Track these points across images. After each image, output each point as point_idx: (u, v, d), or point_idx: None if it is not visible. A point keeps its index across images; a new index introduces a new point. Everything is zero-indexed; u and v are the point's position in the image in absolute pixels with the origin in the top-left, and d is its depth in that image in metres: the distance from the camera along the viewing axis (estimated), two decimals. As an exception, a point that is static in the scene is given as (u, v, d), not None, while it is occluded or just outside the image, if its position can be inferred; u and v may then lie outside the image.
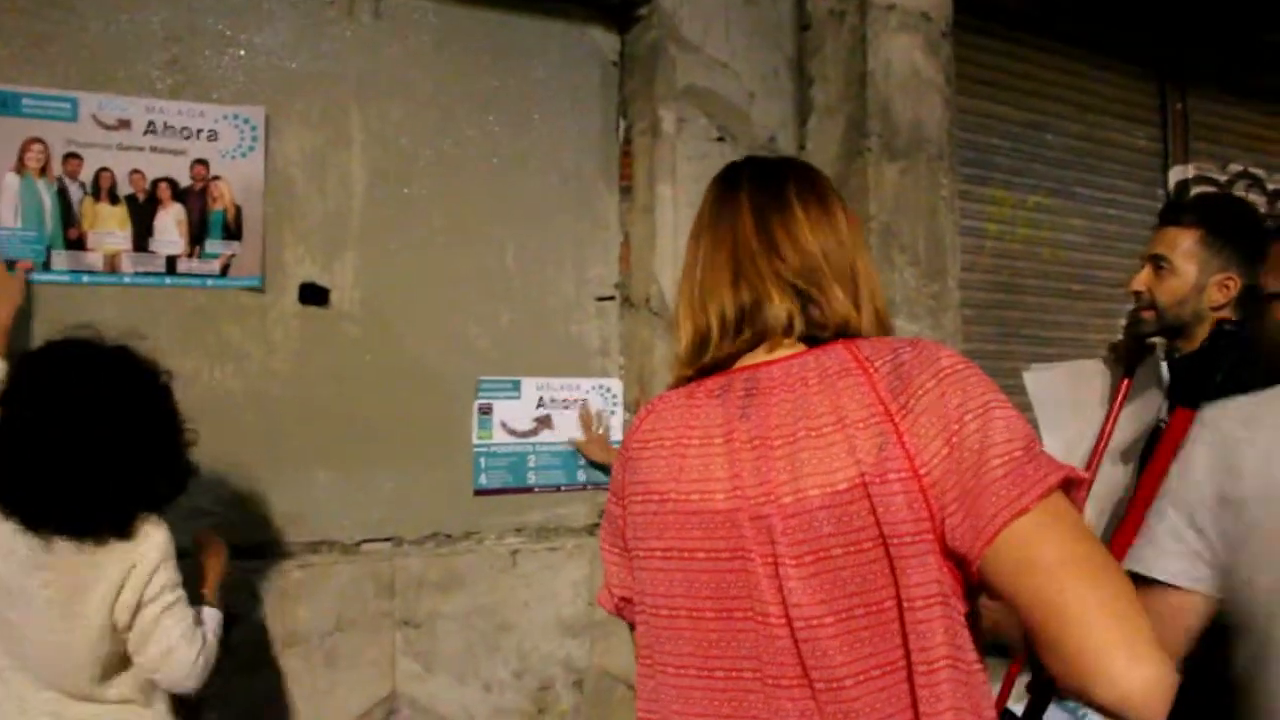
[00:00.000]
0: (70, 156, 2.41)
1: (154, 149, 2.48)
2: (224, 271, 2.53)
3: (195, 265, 2.50)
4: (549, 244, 2.91)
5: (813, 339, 1.21)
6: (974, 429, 1.05)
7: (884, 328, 1.27)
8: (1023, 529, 1.00)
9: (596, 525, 2.95)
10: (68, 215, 2.41)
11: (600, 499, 2.96)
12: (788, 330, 1.21)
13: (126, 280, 2.45)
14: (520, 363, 2.86)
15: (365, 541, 2.66)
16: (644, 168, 2.96)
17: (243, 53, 2.58)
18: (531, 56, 2.91)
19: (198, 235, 2.51)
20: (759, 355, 1.22)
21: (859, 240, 1.28)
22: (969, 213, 3.52)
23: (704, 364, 1.25)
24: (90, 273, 2.42)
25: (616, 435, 2.94)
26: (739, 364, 1.23)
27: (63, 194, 2.40)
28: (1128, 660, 0.94)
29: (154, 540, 1.85)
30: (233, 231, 2.54)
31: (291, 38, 2.64)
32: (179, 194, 2.49)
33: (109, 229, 2.44)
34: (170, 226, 2.48)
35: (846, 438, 1.08)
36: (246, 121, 2.54)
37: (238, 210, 2.54)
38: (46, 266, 2.38)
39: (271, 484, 2.58)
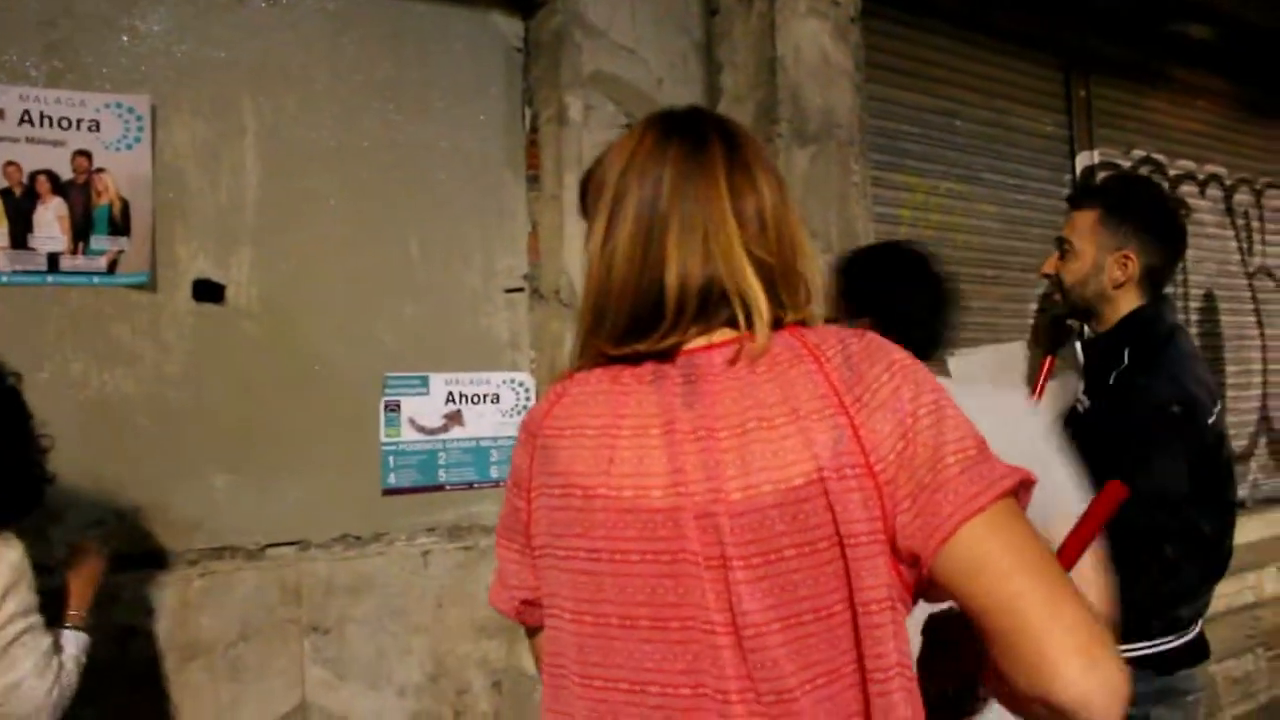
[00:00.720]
0: (-42, 153, 2.31)
1: (30, 140, 2.37)
2: (111, 269, 2.44)
3: (80, 263, 2.40)
4: (455, 235, 2.86)
5: (755, 323, 1.11)
6: (927, 425, 1.02)
7: (823, 306, 1.22)
8: (978, 529, 0.99)
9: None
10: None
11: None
12: (725, 315, 1.12)
13: (4, 279, 2.33)
14: (428, 358, 2.81)
15: (270, 546, 2.58)
16: (551, 156, 2.92)
17: (126, 38, 2.49)
18: (432, 43, 2.86)
19: (82, 231, 2.41)
20: (697, 339, 1.13)
21: (796, 216, 1.19)
22: (883, 199, 3.56)
23: (638, 349, 1.13)
24: (-33, 271, 2.33)
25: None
26: (689, 343, 1.13)
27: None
28: (1087, 664, 0.93)
29: (3, 561, 1.74)
30: (119, 227, 2.44)
31: (179, 23, 2.55)
32: (60, 188, 2.39)
33: (-13, 226, 2.35)
34: (51, 222, 2.38)
35: (800, 429, 1.03)
36: (131, 111, 2.45)
37: (124, 204, 2.45)
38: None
39: (169, 490, 2.49)
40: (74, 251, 2.41)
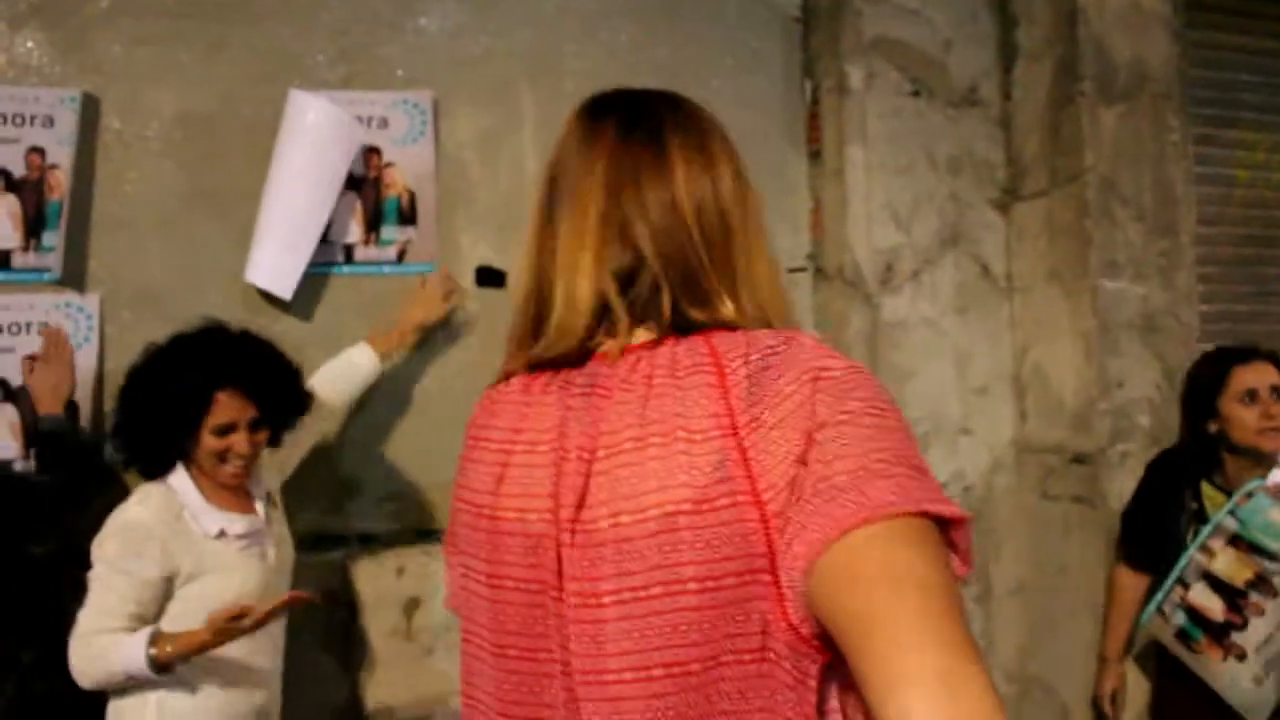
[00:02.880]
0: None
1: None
2: (400, 258, 2.65)
3: (372, 253, 2.62)
4: (732, 215, 2.89)
5: (678, 326, 1.05)
6: (832, 436, 0.89)
7: (770, 317, 1.08)
8: (853, 541, 0.84)
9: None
10: (252, 208, 2.62)
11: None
12: (647, 317, 1.06)
13: (307, 269, 2.55)
14: (705, 341, 2.86)
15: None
16: (832, 129, 2.89)
17: (410, 38, 2.67)
18: (708, 19, 2.89)
19: (373, 222, 2.62)
20: (610, 343, 1.06)
21: (750, 207, 1.12)
22: (1213, 159, 3.28)
23: (553, 356, 1.08)
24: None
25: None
26: (594, 348, 1.07)
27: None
28: (945, 694, 0.77)
29: (126, 513, 2.10)
30: (407, 217, 2.64)
31: (458, 19, 2.71)
32: (353, 183, 2.60)
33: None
34: (345, 215, 2.59)
35: (679, 453, 0.94)
36: (416, 106, 2.64)
37: (411, 195, 2.64)
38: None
39: (452, 469, 2.66)
40: (366, 242, 2.63)
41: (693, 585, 0.91)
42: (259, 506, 2.26)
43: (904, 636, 0.80)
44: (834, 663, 0.90)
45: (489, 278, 2.71)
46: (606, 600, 0.95)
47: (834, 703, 0.93)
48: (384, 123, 2.64)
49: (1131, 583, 2.59)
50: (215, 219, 2.53)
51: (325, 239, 2.59)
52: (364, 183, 2.63)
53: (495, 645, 1.07)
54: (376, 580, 2.56)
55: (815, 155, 2.96)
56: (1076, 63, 2.75)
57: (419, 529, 2.66)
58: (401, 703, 2.55)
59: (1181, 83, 2.88)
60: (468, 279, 2.71)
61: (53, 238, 2.47)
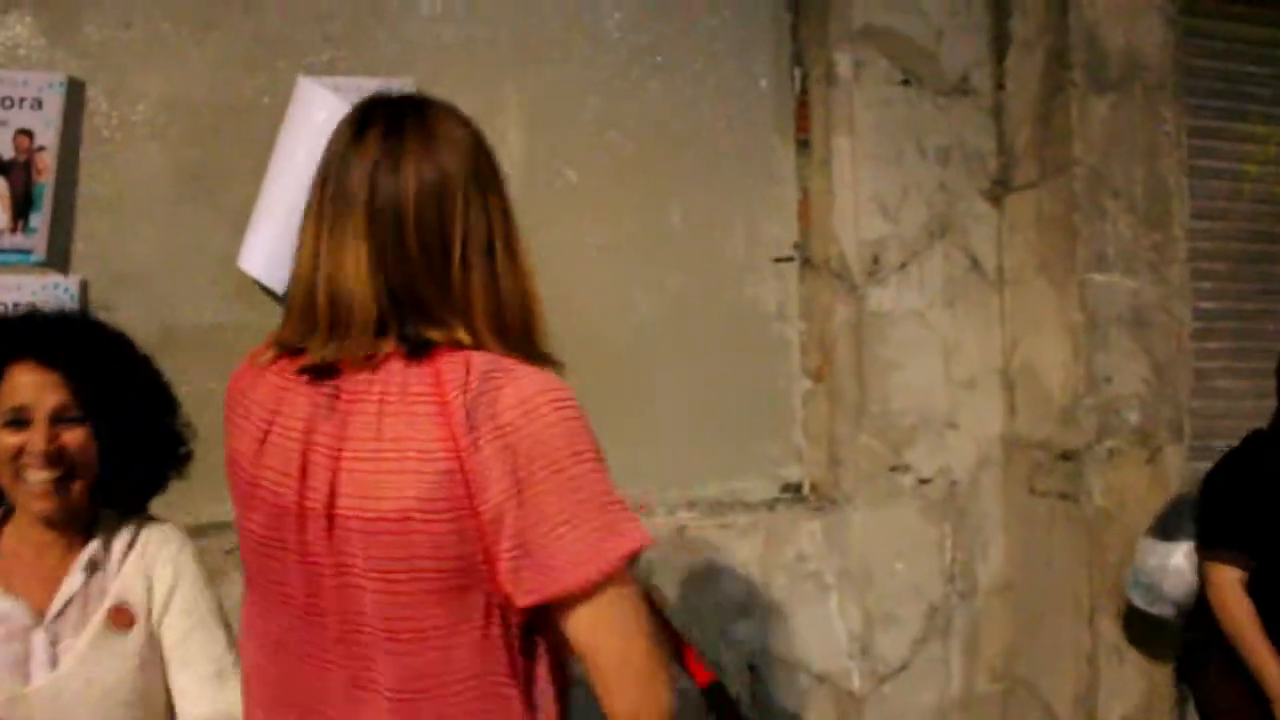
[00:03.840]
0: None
1: (312, 126, 2.69)
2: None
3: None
4: (719, 204, 2.90)
5: (413, 344, 1.17)
6: (544, 480, 1.11)
7: (510, 335, 1.22)
8: (591, 602, 1.13)
9: (775, 501, 2.98)
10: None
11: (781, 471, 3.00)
12: (388, 332, 1.17)
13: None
14: (689, 330, 2.90)
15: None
16: (820, 118, 2.89)
17: (394, 24, 2.70)
18: (695, 6, 2.90)
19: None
20: (355, 352, 1.17)
21: (499, 228, 1.24)
22: (1219, 153, 3.24)
23: (309, 357, 1.20)
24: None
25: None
26: (336, 358, 1.18)
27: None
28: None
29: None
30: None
31: (445, 5, 2.74)
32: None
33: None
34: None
35: (410, 469, 1.12)
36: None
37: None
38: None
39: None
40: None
41: (429, 572, 1.13)
42: (72, 580, 1.59)
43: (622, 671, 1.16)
44: (540, 632, 1.19)
45: (471, 265, 2.74)
46: (357, 573, 1.16)
47: (542, 666, 1.21)
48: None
49: (1235, 577, 2.43)
50: (203, 203, 2.58)
51: (301, 230, 2.62)
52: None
53: (251, 581, 1.31)
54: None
55: (804, 144, 2.96)
56: (1067, 51, 2.73)
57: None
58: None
59: (1177, 72, 2.86)
60: (451, 265, 2.73)
61: (38, 219, 2.50)
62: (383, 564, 1.13)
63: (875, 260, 2.84)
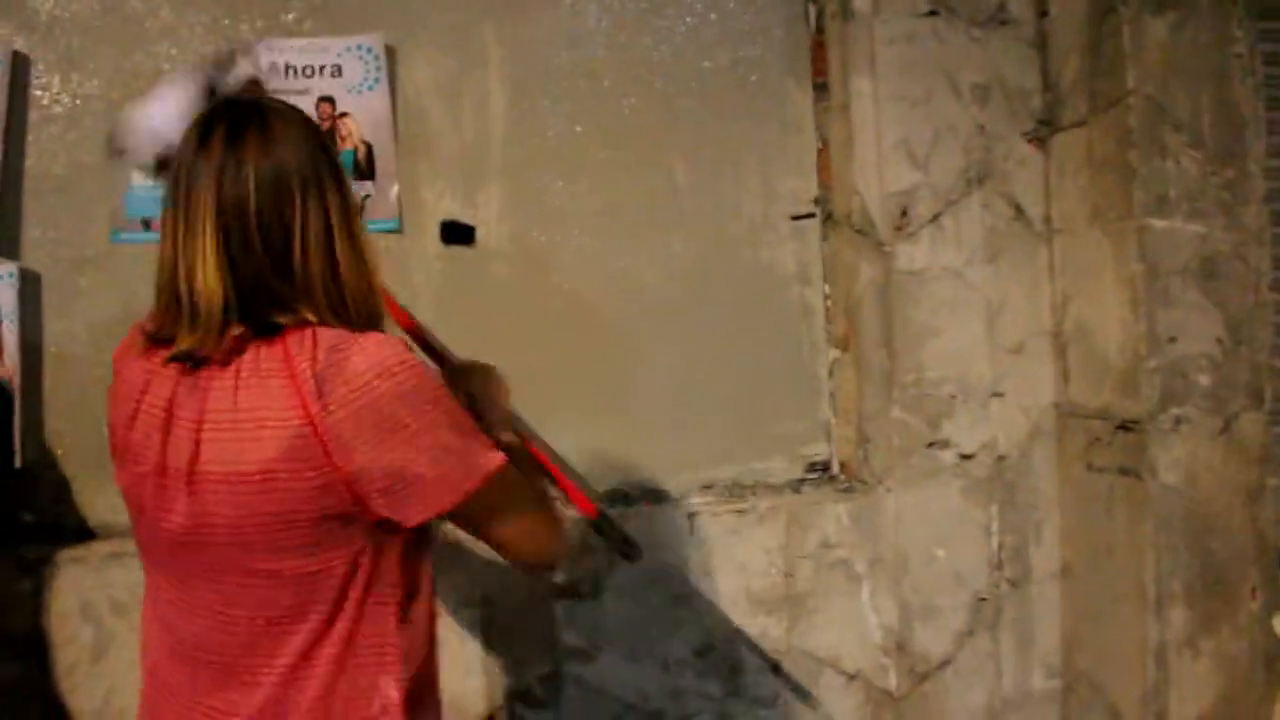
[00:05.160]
0: (195, 105, 2.49)
1: (278, 92, 2.41)
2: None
3: (329, 210, 2.51)
4: (728, 156, 2.66)
5: (263, 327, 1.33)
6: (410, 421, 1.30)
7: (354, 315, 1.36)
8: (476, 505, 1.38)
9: (800, 482, 2.74)
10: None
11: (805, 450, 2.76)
12: (241, 317, 1.31)
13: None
14: (699, 296, 2.66)
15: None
16: (837, 58, 2.63)
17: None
18: (697, -62, 2.65)
19: (330, 178, 2.52)
20: (214, 340, 1.31)
21: (336, 212, 1.37)
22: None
23: (175, 347, 1.33)
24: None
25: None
26: (198, 348, 1.32)
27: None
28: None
29: None
30: (365, 171, 2.49)
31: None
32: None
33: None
34: (300, 171, 2.51)
35: (268, 435, 1.28)
36: (369, 51, 2.47)
37: (369, 148, 2.49)
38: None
39: (422, 442, 2.55)
40: (322, 199, 2.51)
41: (299, 519, 1.31)
42: None
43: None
44: (410, 538, 1.41)
45: (455, 234, 2.56)
46: (222, 527, 1.33)
47: (411, 584, 1.44)
48: (337, 70, 2.49)
49: None
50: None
51: (277, 197, 2.48)
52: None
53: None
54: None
55: (821, 88, 2.69)
56: (1117, -34, 2.41)
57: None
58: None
59: (1251, -16, 2.52)
60: (432, 233, 2.56)
61: None
62: (251, 516, 1.30)
63: (904, 213, 2.57)
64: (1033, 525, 2.64)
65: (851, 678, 2.58)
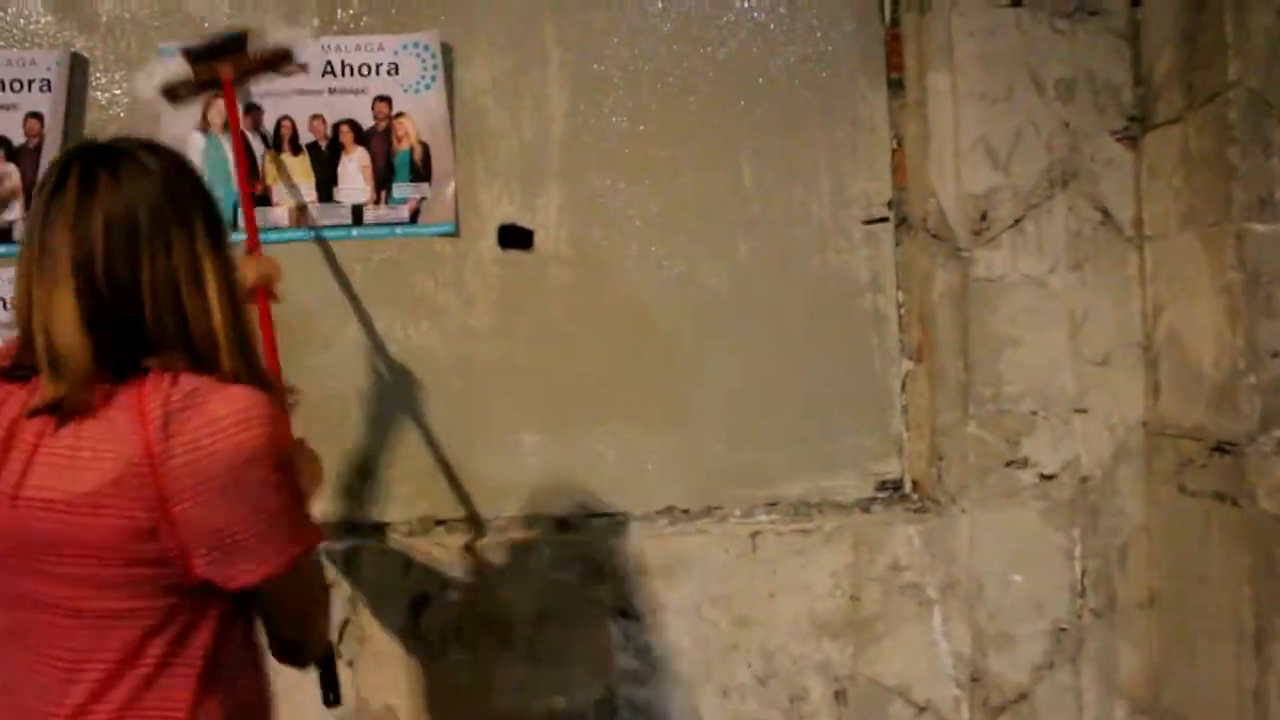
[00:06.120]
0: (250, 108, 2.43)
1: (333, 91, 2.44)
2: (413, 218, 2.46)
3: (383, 213, 2.44)
4: (797, 156, 2.55)
5: (125, 369, 1.30)
6: (232, 487, 1.26)
7: (208, 365, 1.32)
8: (280, 582, 1.34)
9: (870, 500, 2.61)
10: (252, 170, 2.44)
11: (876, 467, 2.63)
12: (90, 366, 1.28)
13: (312, 234, 2.44)
14: (765, 303, 2.55)
15: (585, 516, 2.51)
16: (913, 53, 2.50)
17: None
18: (766, -68, 2.55)
19: (384, 179, 2.44)
20: (75, 389, 1.28)
21: (206, 264, 1.34)
22: None
23: (38, 398, 1.30)
24: (276, 229, 2.44)
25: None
26: (60, 396, 1.29)
27: (246, 148, 2.43)
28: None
29: None
30: (420, 173, 2.45)
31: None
32: (361, 137, 2.44)
33: (293, 181, 2.45)
34: (355, 173, 2.45)
35: (106, 466, 1.24)
36: (427, 49, 2.43)
37: (425, 149, 2.45)
38: (234, 226, 2.42)
39: (473, 452, 2.49)
40: (376, 202, 2.45)
41: (116, 556, 1.26)
42: None
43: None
44: (226, 611, 1.36)
45: (513, 238, 2.49)
46: (34, 549, 1.28)
47: (230, 647, 1.38)
48: (394, 69, 2.44)
49: None
50: (221, 181, 2.41)
51: (330, 199, 2.44)
52: (372, 136, 2.45)
53: None
54: (383, 574, 2.39)
55: (896, 85, 2.56)
56: (1220, -53, 2.25)
57: (437, 518, 2.49)
58: (408, 705, 2.38)
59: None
60: (489, 237, 2.50)
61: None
62: (68, 544, 1.26)
63: (983, 217, 2.43)
64: (1118, 551, 2.47)
65: (921, 709, 2.44)
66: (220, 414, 1.27)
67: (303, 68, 2.42)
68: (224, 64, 2.26)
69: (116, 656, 1.29)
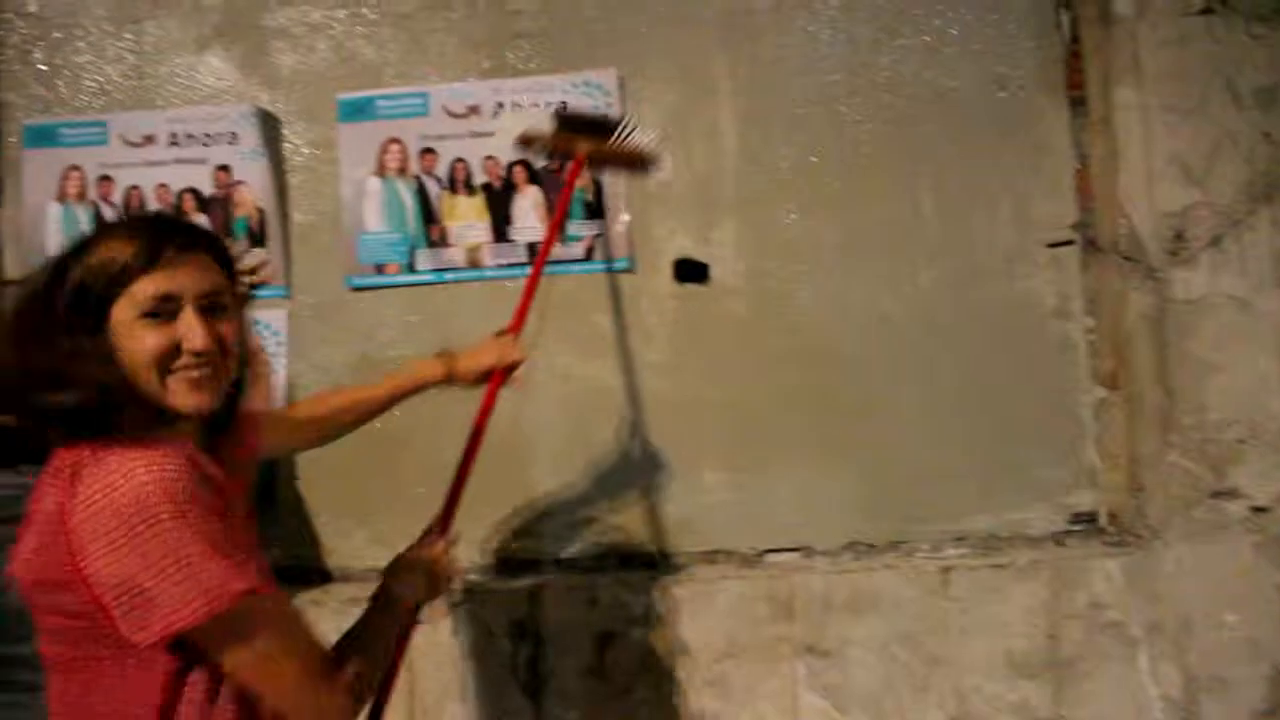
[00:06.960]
0: (425, 152, 2.48)
1: (504, 130, 2.46)
2: (588, 255, 2.47)
3: (558, 251, 2.44)
4: (976, 180, 2.48)
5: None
6: (124, 540, 1.25)
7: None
8: (217, 626, 1.29)
9: (1064, 534, 2.49)
10: (427, 213, 2.48)
11: (1068, 499, 2.51)
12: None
13: (489, 274, 2.47)
14: (946, 333, 2.48)
15: (768, 552, 2.47)
16: (1097, 67, 2.42)
17: (591, 12, 2.51)
18: (938, -47, 2.50)
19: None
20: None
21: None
22: None
23: None
24: (453, 269, 2.48)
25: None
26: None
27: (421, 191, 2.48)
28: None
29: None
30: (594, 210, 2.47)
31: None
32: (535, 176, 2.47)
33: (468, 221, 2.48)
34: (528, 211, 2.46)
35: (45, 533, 1.30)
36: (599, 87, 2.45)
37: (597, 187, 2.47)
38: (411, 268, 2.47)
39: (656, 487, 2.47)
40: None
41: (60, 614, 1.33)
42: None
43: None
44: (177, 670, 1.35)
45: (690, 272, 2.48)
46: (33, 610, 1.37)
47: (190, 702, 1.36)
48: (564, 106, 2.46)
49: None
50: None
51: (505, 237, 2.47)
52: (546, 174, 2.47)
53: None
54: (567, 611, 2.38)
55: (1078, 102, 2.47)
56: None
57: (619, 554, 2.47)
58: (594, 747, 2.36)
59: None
60: (665, 271, 2.49)
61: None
62: (30, 600, 1.35)
63: (1179, 236, 2.32)
64: (1337, 593, 2.32)
65: (1129, 754, 2.32)
66: (116, 465, 1.27)
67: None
68: (586, 141, 2.25)
69: (65, 709, 1.37)
